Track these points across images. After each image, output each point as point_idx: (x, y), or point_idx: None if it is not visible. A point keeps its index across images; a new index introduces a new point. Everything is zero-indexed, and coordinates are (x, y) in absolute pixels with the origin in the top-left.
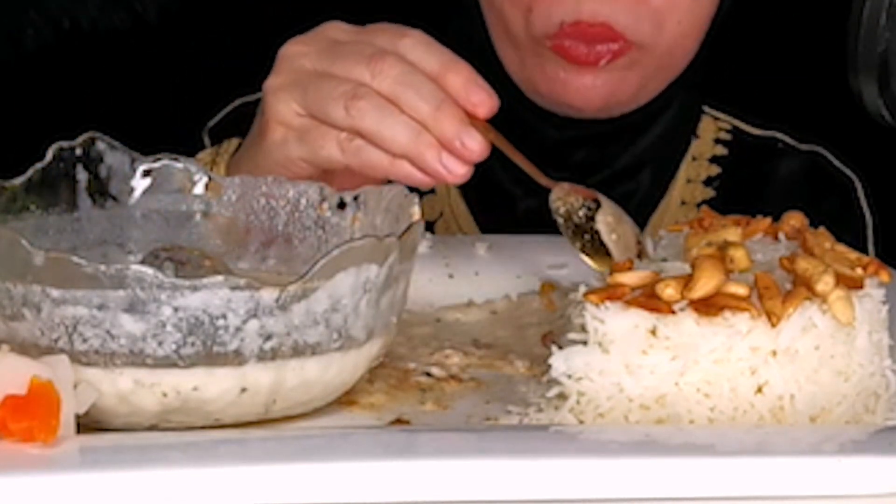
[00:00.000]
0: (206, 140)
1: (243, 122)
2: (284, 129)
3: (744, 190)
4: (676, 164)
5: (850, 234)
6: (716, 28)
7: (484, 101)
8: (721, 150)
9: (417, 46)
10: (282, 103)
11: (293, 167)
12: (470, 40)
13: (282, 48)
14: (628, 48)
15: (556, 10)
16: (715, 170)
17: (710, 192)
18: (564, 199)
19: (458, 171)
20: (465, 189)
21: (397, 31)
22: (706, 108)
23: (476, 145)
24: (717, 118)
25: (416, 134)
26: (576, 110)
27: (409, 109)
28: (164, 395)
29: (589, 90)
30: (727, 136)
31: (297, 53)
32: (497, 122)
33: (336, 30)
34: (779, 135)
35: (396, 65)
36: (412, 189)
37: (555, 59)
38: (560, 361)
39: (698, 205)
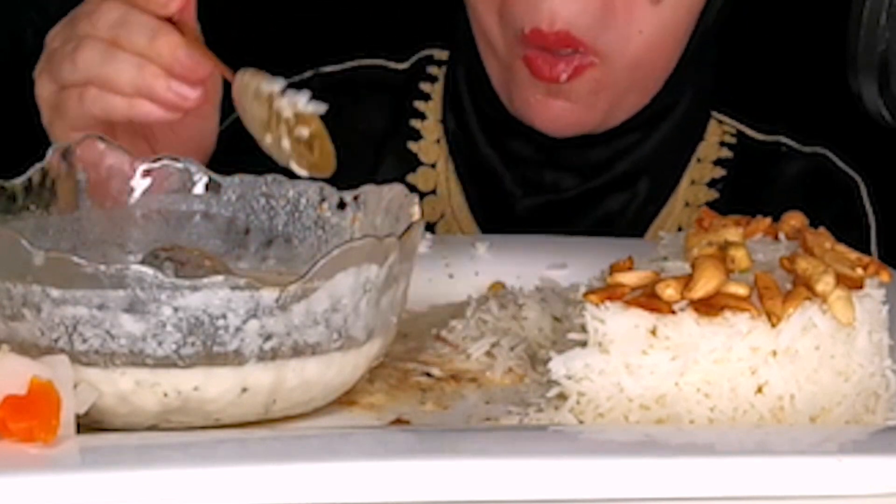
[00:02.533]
0: None
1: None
2: (49, 110)
3: (748, 192)
4: (682, 167)
5: (853, 236)
6: (694, 43)
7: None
8: (726, 153)
9: None
10: (40, 86)
11: (70, 137)
12: (469, 47)
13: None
14: (590, 63)
15: (518, 16)
16: (719, 172)
17: (713, 194)
18: None
19: (191, 95)
20: (467, 190)
21: None
22: (711, 112)
23: (190, 61)
24: (721, 122)
25: (139, 68)
26: (549, 133)
27: (127, 45)
28: (165, 395)
29: (557, 118)
30: (732, 140)
31: (50, 37)
32: (496, 126)
33: (86, 4)
34: (782, 139)
35: (115, 8)
36: (413, 191)
37: (526, 75)
38: (559, 364)
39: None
